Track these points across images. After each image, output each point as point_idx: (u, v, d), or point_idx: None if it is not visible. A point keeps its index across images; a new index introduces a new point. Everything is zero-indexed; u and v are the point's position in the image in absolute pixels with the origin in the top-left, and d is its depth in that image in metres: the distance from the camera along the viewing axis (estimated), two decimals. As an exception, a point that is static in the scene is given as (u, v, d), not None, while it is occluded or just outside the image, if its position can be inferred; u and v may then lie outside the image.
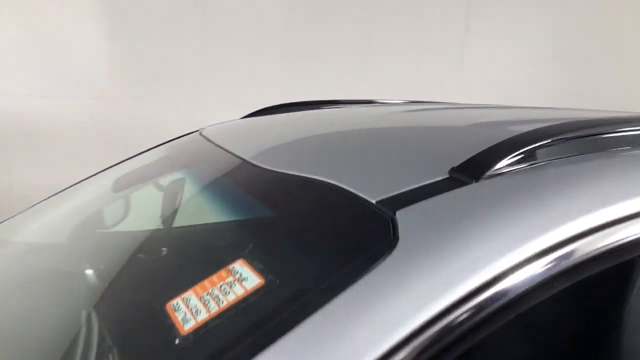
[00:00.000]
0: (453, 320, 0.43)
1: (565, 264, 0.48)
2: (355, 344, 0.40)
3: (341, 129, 0.96)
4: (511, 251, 0.47)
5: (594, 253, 0.50)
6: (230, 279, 0.50)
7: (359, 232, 0.52)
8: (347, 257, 0.48)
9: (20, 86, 2.72)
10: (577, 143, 0.60)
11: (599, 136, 0.64)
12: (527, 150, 0.58)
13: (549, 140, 0.59)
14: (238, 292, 0.48)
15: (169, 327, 0.47)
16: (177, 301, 0.50)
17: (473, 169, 0.59)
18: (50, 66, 2.76)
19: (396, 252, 0.47)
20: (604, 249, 0.50)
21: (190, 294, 0.50)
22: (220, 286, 0.50)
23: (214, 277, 0.51)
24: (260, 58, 2.97)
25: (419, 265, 0.45)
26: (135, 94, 2.88)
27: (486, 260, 0.46)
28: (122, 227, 0.92)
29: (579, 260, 0.49)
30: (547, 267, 0.47)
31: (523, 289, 0.46)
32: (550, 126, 0.63)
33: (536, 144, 0.58)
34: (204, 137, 1.14)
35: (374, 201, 0.56)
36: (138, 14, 2.81)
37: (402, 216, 0.52)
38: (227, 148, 0.93)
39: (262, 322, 0.43)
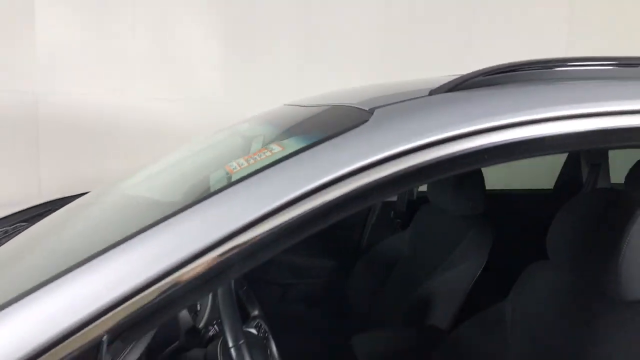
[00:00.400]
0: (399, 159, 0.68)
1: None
2: (328, 164, 0.67)
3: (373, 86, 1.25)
4: (436, 130, 0.71)
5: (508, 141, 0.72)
6: (265, 150, 0.79)
7: (349, 120, 0.78)
8: (337, 129, 0.75)
9: (150, 91, 3.30)
10: (501, 77, 0.82)
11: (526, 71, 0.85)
12: (471, 79, 0.82)
13: (479, 76, 0.82)
14: (267, 154, 0.76)
15: (227, 173, 0.77)
16: (232, 162, 0.80)
17: (441, 88, 0.82)
18: (172, 74, 3.31)
19: (363, 125, 0.73)
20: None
21: (241, 159, 0.80)
22: (258, 154, 0.79)
23: (257, 152, 0.81)
24: (361, 59, 3.29)
25: (376, 128, 0.71)
26: (244, 97, 3.35)
27: (426, 129, 0.70)
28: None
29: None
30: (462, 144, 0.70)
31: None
32: (485, 68, 0.85)
33: (472, 78, 0.82)
34: (285, 104, 1.48)
35: (367, 109, 0.82)
36: (246, 28, 3.29)
37: (378, 111, 0.77)
38: (296, 104, 1.26)
39: (273, 161, 0.71)
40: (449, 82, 0.84)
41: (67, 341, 0.57)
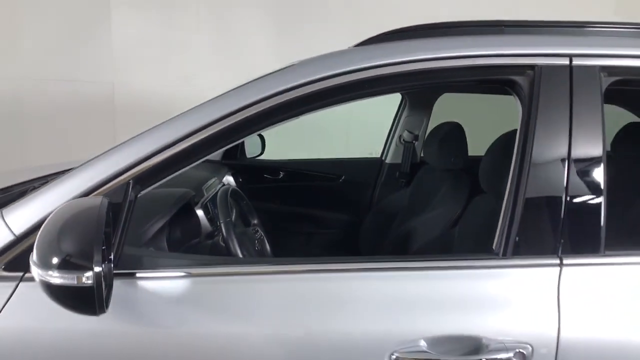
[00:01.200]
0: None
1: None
2: (274, 84, 1.09)
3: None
4: (339, 66, 1.10)
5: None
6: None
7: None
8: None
9: (214, 81, 3.83)
10: (399, 35, 1.20)
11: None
12: (378, 37, 1.21)
13: (383, 34, 1.21)
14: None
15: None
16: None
17: (359, 44, 1.22)
18: (234, 65, 3.85)
19: (294, 65, 1.15)
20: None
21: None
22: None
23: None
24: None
25: (297, 67, 1.13)
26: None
27: (333, 65, 1.11)
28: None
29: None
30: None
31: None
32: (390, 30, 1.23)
33: (379, 36, 1.21)
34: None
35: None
36: (296, 21, 3.78)
37: (309, 58, 1.18)
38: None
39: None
40: (365, 39, 1.23)
41: (114, 181, 1.04)
